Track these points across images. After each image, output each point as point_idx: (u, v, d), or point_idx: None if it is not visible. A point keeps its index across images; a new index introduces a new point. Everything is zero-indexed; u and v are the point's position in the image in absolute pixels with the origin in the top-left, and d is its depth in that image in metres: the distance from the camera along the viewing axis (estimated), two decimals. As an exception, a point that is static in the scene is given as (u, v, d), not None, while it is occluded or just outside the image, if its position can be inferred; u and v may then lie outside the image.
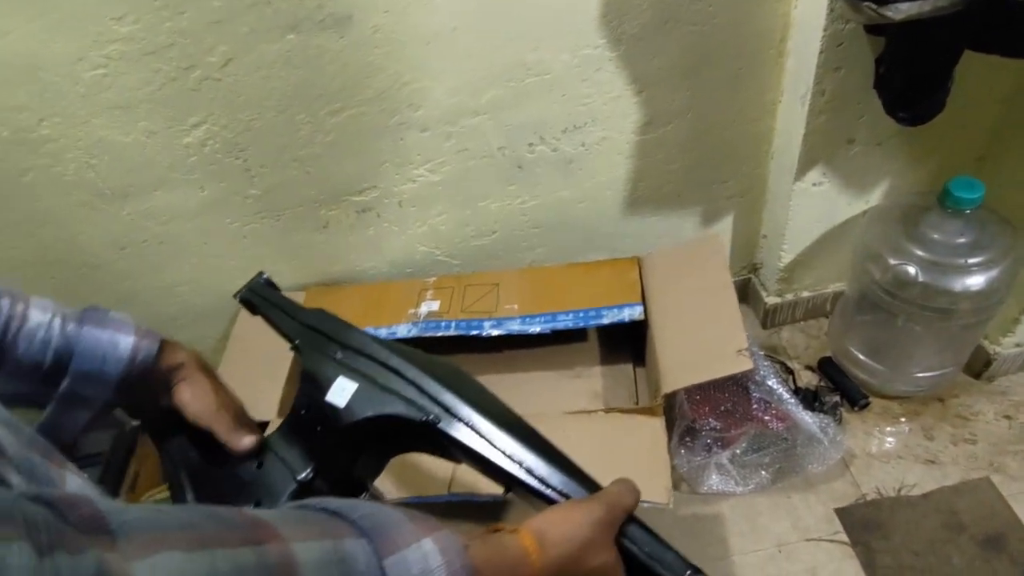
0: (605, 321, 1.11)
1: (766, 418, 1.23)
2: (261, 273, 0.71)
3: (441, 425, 0.53)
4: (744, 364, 0.96)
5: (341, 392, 0.55)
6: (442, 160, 1.12)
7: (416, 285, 1.23)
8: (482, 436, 0.52)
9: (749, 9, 1.01)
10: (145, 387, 0.55)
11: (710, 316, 1.06)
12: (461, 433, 0.52)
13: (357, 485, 0.59)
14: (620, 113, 1.11)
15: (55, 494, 0.27)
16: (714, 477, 1.24)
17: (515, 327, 1.12)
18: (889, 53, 0.91)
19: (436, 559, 0.35)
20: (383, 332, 1.14)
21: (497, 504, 1.12)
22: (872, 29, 0.91)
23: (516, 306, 1.16)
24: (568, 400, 1.16)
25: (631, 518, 0.48)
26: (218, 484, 0.58)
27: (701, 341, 1.03)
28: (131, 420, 0.55)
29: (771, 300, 1.41)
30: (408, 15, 0.93)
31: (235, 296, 0.70)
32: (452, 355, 1.20)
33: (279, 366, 1.15)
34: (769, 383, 1.24)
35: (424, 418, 0.53)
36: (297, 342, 0.61)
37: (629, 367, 1.23)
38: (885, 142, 1.11)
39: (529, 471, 0.51)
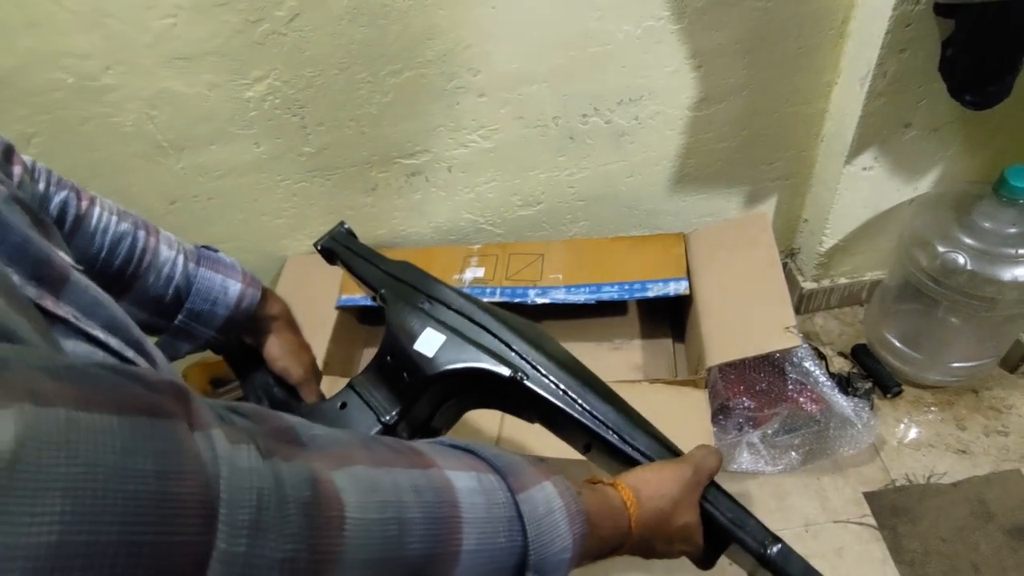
0: (651, 294, 1.12)
1: (801, 399, 1.24)
2: (342, 223, 0.72)
3: (527, 382, 0.54)
4: (792, 340, 0.97)
5: (428, 343, 0.56)
6: (496, 127, 1.12)
7: (461, 251, 1.24)
8: (567, 393, 0.53)
9: (813, -13, 1.00)
10: (242, 330, 0.58)
11: (756, 293, 1.06)
12: (547, 390, 0.53)
13: (432, 433, 0.60)
14: (676, 87, 1.10)
15: (245, 407, 0.28)
16: (745, 455, 1.25)
17: (560, 296, 1.13)
18: (958, 35, 0.91)
19: (557, 501, 0.36)
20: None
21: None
22: (943, 11, 0.90)
23: (560, 276, 1.17)
24: (608, 371, 1.16)
25: (713, 483, 0.50)
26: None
27: (747, 317, 1.04)
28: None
29: (807, 285, 1.41)
30: (476, -23, 0.93)
31: (315, 245, 0.71)
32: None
33: (323, 324, 1.17)
34: (806, 365, 1.24)
35: (510, 374, 0.54)
36: (383, 291, 0.62)
37: (668, 342, 1.24)
38: (942, 127, 1.11)
39: (614, 430, 0.52)
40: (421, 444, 0.35)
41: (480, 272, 1.20)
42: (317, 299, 1.22)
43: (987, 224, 1.06)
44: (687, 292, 1.10)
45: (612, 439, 0.52)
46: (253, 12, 0.93)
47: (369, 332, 1.32)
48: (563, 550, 0.35)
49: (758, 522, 0.49)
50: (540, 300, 1.14)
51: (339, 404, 0.58)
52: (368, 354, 1.29)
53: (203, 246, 0.58)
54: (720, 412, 1.26)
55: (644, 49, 1.04)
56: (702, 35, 1.04)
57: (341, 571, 0.24)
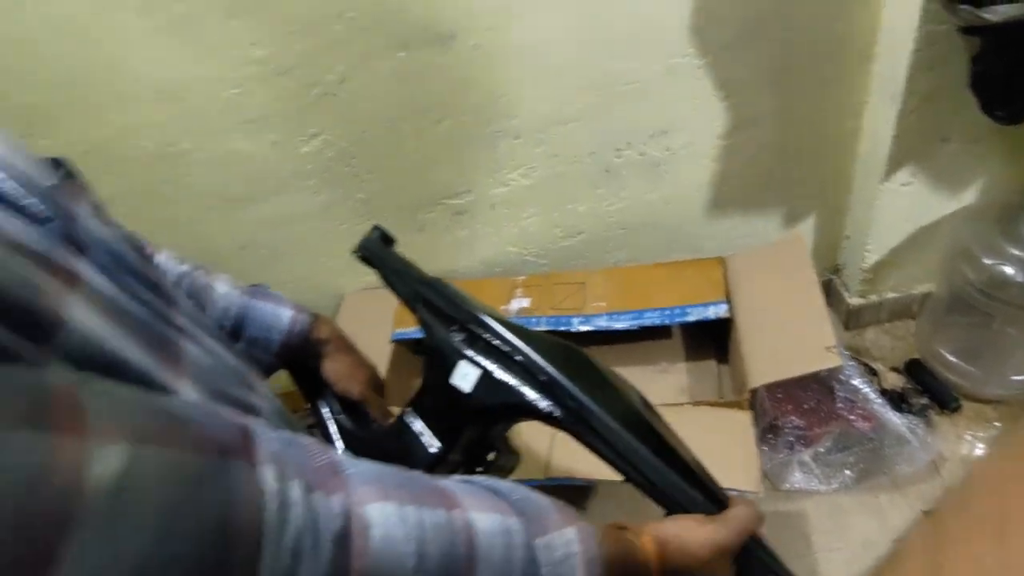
0: (691, 318, 1.15)
1: (851, 417, 1.23)
2: (375, 227, 0.69)
3: (560, 418, 0.52)
4: (833, 360, 0.98)
5: (464, 377, 0.55)
6: (533, 165, 1.19)
7: (507, 283, 1.30)
8: (600, 435, 0.51)
9: (835, 15, 1.03)
10: (299, 354, 0.64)
11: (796, 314, 1.08)
12: (580, 428, 0.52)
13: (486, 449, 0.61)
14: (706, 118, 1.14)
15: (304, 441, 0.33)
16: (797, 474, 1.25)
17: (603, 323, 1.18)
18: (985, 53, 0.92)
19: (575, 547, 0.38)
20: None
21: (590, 487, 1.17)
22: (968, 30, 0.91)
23: (603, 304, 1.21)
24: (654, 394, 1.18)
25: (755, 539, 0.48)
26: (362, 446, 0.64)
27: (787, 338, 1.06)
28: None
29: (854, 301, 1.40)
30: (507, 32, 1.00)
31: (353, 252, 0.70)
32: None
33: (380, 357, 1.25)
34: (854, 383, 1.24)
35: (548, 411, 0.52)
36: (418, 315, 0.62)
37: (713, 364, 1.26)
38: (983, 139, 1.10)
39: (647, 478, 0.50)
40: (454, 485, 0.37)
41: (526, 302, 1.25)
42: (374, 333, 1.30)
43: (1034, 235, 1.05)
44: (727, 315, 1.13)
45: (644, 485, 0.50)
46: (308, 78, 1.03)
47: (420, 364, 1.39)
48: None
49: None
50: (584, 328, 1.18)
51: (394, 433, 0.60)
52: (416, 387, 1.36)
53: (254, 284, 0.65)
54: (769, 431, 1.27)
55: (671, 84, 1.09)
56: (727, 68, 1.08)
57: None
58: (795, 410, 1.26)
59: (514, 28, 1.00)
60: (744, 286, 1.17)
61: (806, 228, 1.34)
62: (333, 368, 0.66)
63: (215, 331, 0.45)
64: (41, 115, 1.03)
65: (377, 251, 0.68)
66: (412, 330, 1.27)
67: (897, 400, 1.29)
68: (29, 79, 1.00)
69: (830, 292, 1.48)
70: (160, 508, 0.23)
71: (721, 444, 0.99)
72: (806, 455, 1.26)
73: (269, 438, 0.30)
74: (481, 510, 0.35)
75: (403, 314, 1.27)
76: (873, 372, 1.37)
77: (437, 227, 1.28)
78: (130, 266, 0.39)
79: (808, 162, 1.23)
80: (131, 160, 1.11)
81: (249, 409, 0.42)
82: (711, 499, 0.49)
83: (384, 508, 0.30)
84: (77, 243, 0.35)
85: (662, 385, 1.24)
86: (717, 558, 0.45)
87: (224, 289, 0.61)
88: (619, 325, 1.18)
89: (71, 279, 0.32)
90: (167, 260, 0.60)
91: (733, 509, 0.48)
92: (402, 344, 1.30)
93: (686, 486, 0.49)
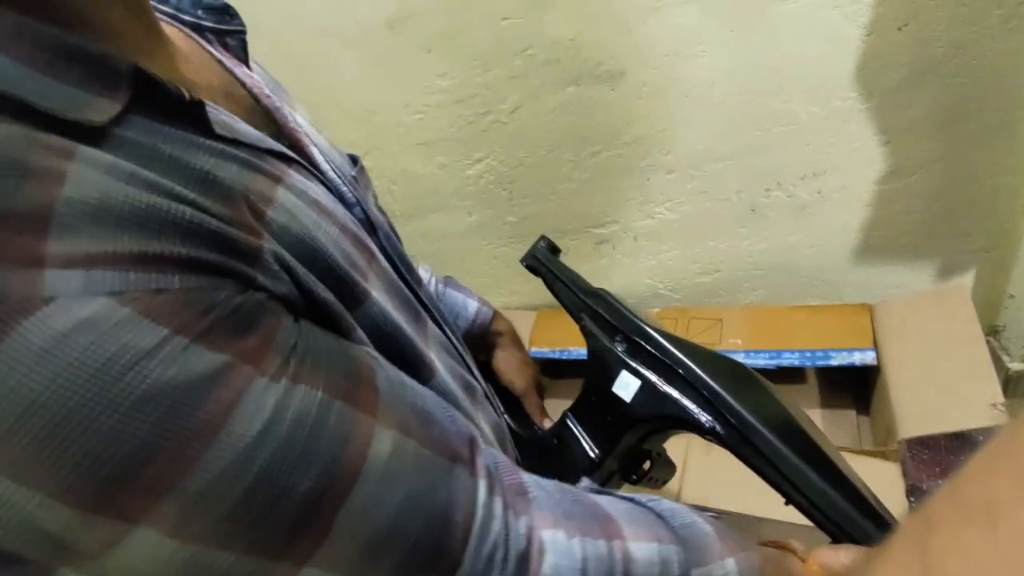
0: (834, 363, 1.12)
1: (1009, 489, 1.15)
2: (542, 237, 0.74)
3: (721, 434, 0.52)
4: (998, 418, 0.93)
5: (625, 387, 0.57)
6: (681, 200, 1.23)
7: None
8: (762, 454, 0.51)
9: (1015, 61, 1.01)
10: (476, 343, 0.70)
11: (955, 368, 1.03)
12: (740, 445, 0.52)
13: (643, 455, 0.63)
14: (862, 163, 1.14)
15: (500, 459, 0.37)
16: (942, 544, 1.17)
17: (739, 360, 1.17)
18: None
19: None
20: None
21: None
22: None
23: (740, 341, 1.21)
24: (788, 437, 1.18)
25: None
26: (524, 444, 0.66)
27: (945, 392, 1.01)
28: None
29: (1015, 367, 1.31)
30: (674, 71, 1.06)
31: (521, 261, 0.75)
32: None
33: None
34: (1014, 452, 1.15)
35: (709, 425, 0.53)
36: (582, 323, 0.65)
37: (852, 413, 1.22)
38: None
39: (812, 501, 0.48)
40: (619, 508, 0.39)
41: (659, 333, 1.28)
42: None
43: None
44: (874, 363, 1.10)
45: (804, 506, 0.48)
46: (483, 107, 1.14)
47: (551, 384, 1.44)
48: None
49: None
50: (719, 362, 1.18)
51: (554, 438, 0.63)
52: (550, 405, 1.40)
53: (447, 276, 0.73)
54: (911, 493, 1.19)
55: (829, 127, 1.10)
56: (892, 112, 1.08)
57: None
58: (942, 474, 1.18)
59: (680, 67, 1.06)
60: (895, 334, 1.14)
61: (963, 282, 1.28)
62: (504, 359, 0.71)
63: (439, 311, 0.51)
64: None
65: (544, 260, 0.72)
66: (548, 350, 1.32)
67: (1063, 477, 1.19)
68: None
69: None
70: (408, 489, 0.29)
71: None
72: (953, 524, 1.17)
73: (487, 452, 0.35)
74: (640, 539, 0.37)
75: (539, 333, 1.32)
76: (1033, 445, 1.27)
77: (579, 253, 1.34)
78: (396, 247, 0.46)
79: (970, 214, 1.19)
80: (319, 172, 1.26)
81: (468, 386, 0.47)
82: (878, 525, 0.46)
83: (556, 536, 0.34)
84: (371, 225, 0.43)
85: (798, 429, 1.21)
86: None
87: (425, 276, 0.69)
88: (756, 363, 1.17)
89: (371, 257, 0.39)
90: None
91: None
92: (536, 363, 1.35)
93: (856, 514, 0.47)
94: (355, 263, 0.35)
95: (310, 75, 1.12)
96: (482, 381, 0.53)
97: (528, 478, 0.37)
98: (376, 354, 0.33)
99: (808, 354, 1.15)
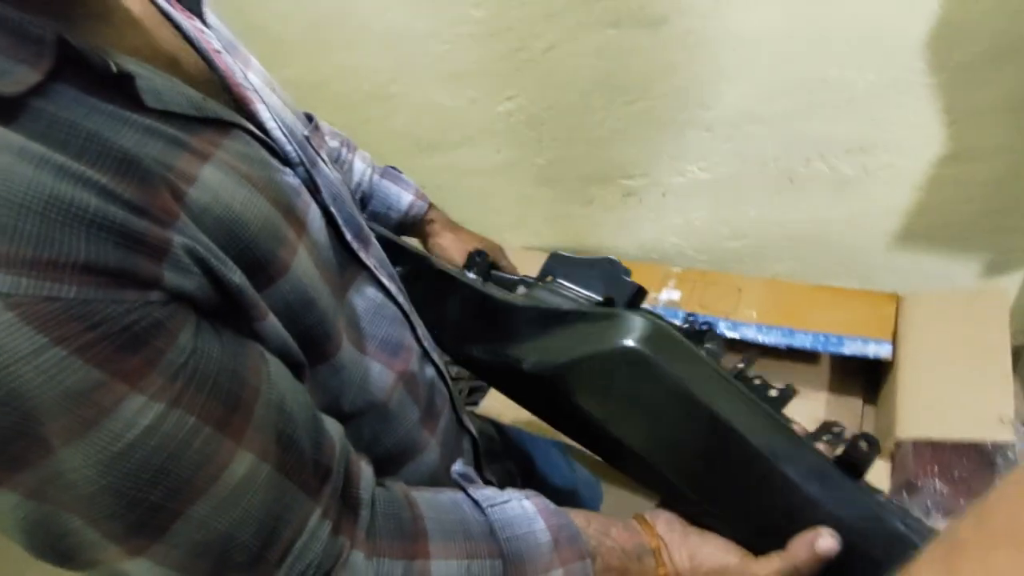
0: (846, 351, 1.08)
1: (1010, 499, 1.11)
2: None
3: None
4: (1004, 434, 0.90)
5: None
6: (716, 160, 1.17)
7: (660, 271, 1.30)
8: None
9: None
10: (410, 233, 0.73)
11: (973, 375, 0.98)
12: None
13: None
14: (919, 142, 1.05)
15: (353, 469, 0.37)
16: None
17: (750, 334, 1.15)
18: None
19: None
20: (622, 308, 1.23)
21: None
22: None
23: (755, 313, 1.18)
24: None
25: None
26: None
27: (956, 397, 0.97)
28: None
29: (1049, 377, 1.24)
30: (722, 21, 0.98)
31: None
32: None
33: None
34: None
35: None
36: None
37: (859, 403, 1.19)
38: None
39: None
40: (441, 521, 0.39)
41: (676, 295, 1.25)
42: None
43: None
44: (889, 357, 1.05)
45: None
46: (516, 41, 1.09)
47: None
48: None
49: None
50: (730, 334, 1.16)
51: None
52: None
53: (390, 166, 0.73)
54: (905, 488, 1.18)
55: (885, 99, 1.01)
56: (962, 90, 0.98)
57: None
58: (942, 474, 1.16)
59: (730, 17, 0.98)
60: (917, 330, 1.08)
61: (1010, 283, 1.20)
62: (438, 244, 0.73)
63: (390, 269, 0.50)
64: (286, 48, 1.19)
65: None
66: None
67: (1073, 495, 1.14)
68: (280, 14, 1.15)
69: (1019, 361, 1.31)
70: (248, 506, 0.30)
71: (850, 485, 0.95)
72: (941, 524, 1.15)
73: (334, 489, 0.35)
74: (450, 556, 0.38)
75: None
76: (1051, 457, 1.22)
77: (605, 203, 1.31)
78: (344, 209, 0.45)
79: (1031, 211, 1.09)
80: (347, 97, 1.25)
81: (398, 348, 0.46)
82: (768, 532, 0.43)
83: (356, 558, 0.35)
84: (313, 185, 0.42)
85: (797, 411, 1.18)
86: None
87: (361, 166, 0.69)
88: (766, 340, 1.14)
89: (302, 229, 0.38)
90: (327, 131, 0.68)
91: (793, 547, 0.42)
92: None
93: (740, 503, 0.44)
94: (281, 236, 0.35)
95: (342, -5, 1.09)
96: (429, 340, 0.52)
97: (366, 494, 0.37)
98: (270, 367, 0.33)
99: (822, 338, 1.12)
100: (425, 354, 0.50)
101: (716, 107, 1.09)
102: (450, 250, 0.72)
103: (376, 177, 0.71)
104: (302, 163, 0.41)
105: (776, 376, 1.33)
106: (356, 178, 0.69)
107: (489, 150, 1.27)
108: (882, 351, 1.06)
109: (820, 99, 1.04)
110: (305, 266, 0.37)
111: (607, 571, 0.42)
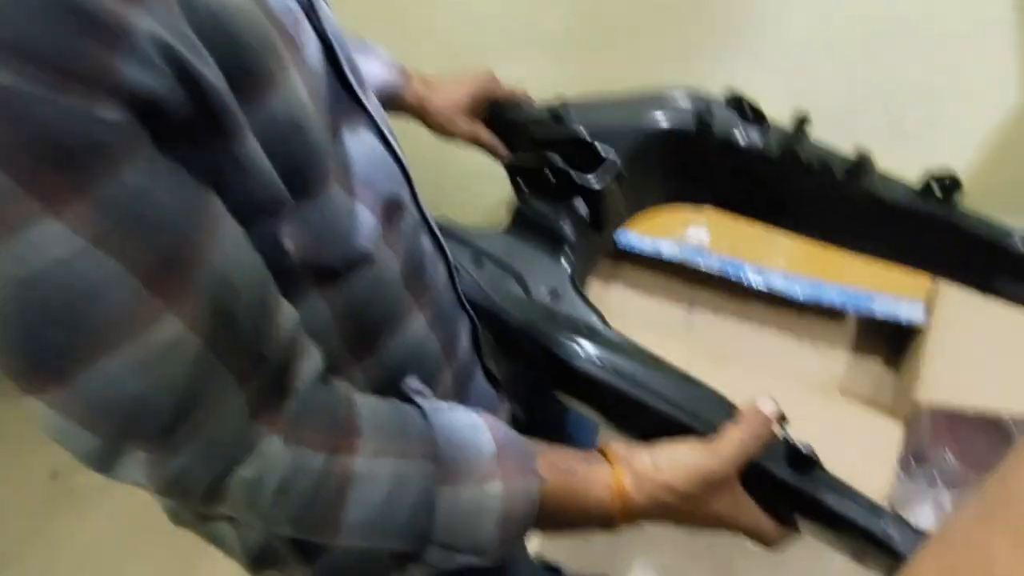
0: (876, 310, 1.04)
1: (1022, 480, 1.08)
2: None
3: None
4: (1028, 410, 0.85)
5: None
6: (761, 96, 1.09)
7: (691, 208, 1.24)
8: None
9: None
10: (391, 105, 0.62)
11: (1009, 346, 0.93)
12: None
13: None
14: (991, 93, 0.96)
15: (303, 357, 0.35)
16: (926, 511, 1.14)
17: (777, 283, 1.10)
18: None
19: (493, 503, 0.36)
20: (647, 241, 1.19)
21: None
22: None
23: (783, 260, 1.13)
24: (803, 373, 1.13)
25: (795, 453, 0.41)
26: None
27: (985, 368, 0.93)
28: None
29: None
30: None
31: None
32: (708, 286, 1.22)
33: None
34: (1045, 445, 1.07)
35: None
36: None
37: (879, 364, 1.15)
38: None
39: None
40: (379, 418, 0.37)
41: (704, 235, 1.20)
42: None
43: None
44: (920, 321, 1.00)
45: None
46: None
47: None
48: (482, 544, 0.37)
49: (853, 496, 0.39)
50: (756, 280, 1.11)
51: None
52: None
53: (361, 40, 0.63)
54: (915, 457, 1.15)
55: (964, 42, 0.92)
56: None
57: None
58: (955, 447, 1.12)
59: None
60: (955, 296, 1.03)
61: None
62: (431, 107, 0.63)
63: (391, 127, 0.46)
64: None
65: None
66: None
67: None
68: None
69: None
70: (165, 378, 0.28)
71: (855, 448, 0.92)
72: (946, 497, 1.13)
73: (266, 377, 0.33)
74: (378, 454, 0.35)
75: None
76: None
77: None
78: (345, 47, 0.40)
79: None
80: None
81: (394, 205, 0.42)
82: (704, 415, 0.42)
83: (271, 444, 0.33)
84: (314, 12, 0.37)
85: (814, 366, 1.15)
86: (705, 493, 0.39)
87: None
88: (794, 292, 1.09)
89: (295, 52, 0.33)
90: None
91: (731, 428, 0.40)
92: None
93: (681, 397, 0.43)
94: (272, 47, 0.31)
95: None
96: (430, 212, 0.48)
97: (302, 385, 0.34)
98: (225, 230, 0.30)
99: (852, 294, 1.07)
100: (424, 224, 0.46)
101: (766, 34, 1.00)
102: (447, 110, 0.63)
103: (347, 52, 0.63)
104: None
105: (798, 329, 1.27)
106: None
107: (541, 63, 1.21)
108: (914, 313, 1.01)
109: (892, 34, 0.94)
110: (298, 90, 0.32)
111: (557, 493, 0.39)
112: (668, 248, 1.17)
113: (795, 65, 1.03)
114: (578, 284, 0.53)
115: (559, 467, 0.40)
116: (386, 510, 0.35)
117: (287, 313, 0.34)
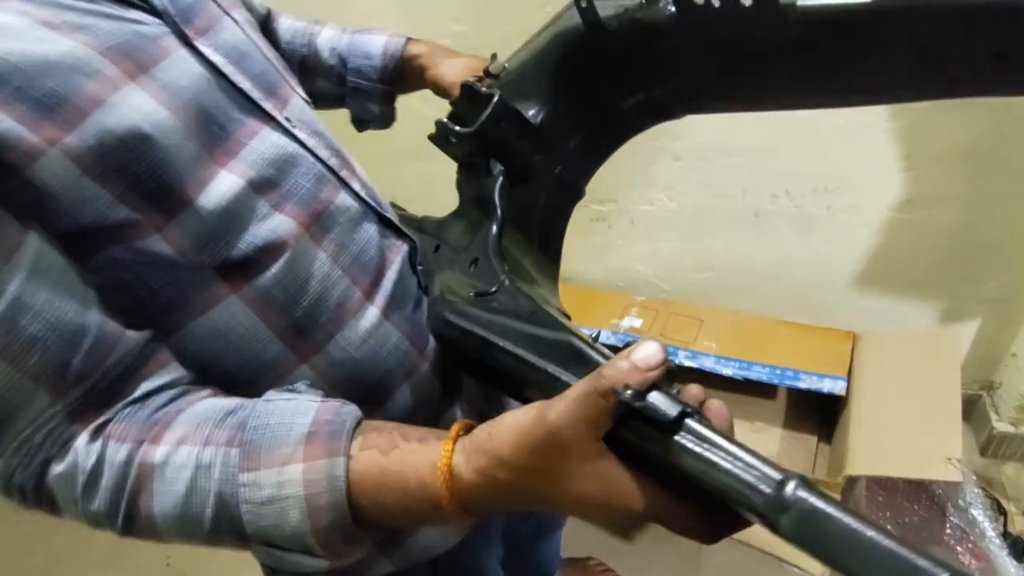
0: (802, 385, 1.09)
1: (958, 549, 1.11)
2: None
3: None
4: (952, 474, 0.89)
5: None
6: (684, 191, 1.18)
7: (624, 299, 1.30)
8: None
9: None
10: (402, 75, 0.66)
11: (924, 415, 0.99)
12: None
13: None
14: (880, 186, 1.08)
15: (126, 363, 0.37)
16: (876, 587, 1.14)
17: (709, 364, 1.15)
18: None
19: (293, 488, 0.33)
20: (585, 331, 1.22)
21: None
22: None
23: (714, 345, 1.18)
24: (740, 450, 1.15)
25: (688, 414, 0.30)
26: None
27: (906, 437, 0.97)
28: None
29: (1000, 427, 1.25)
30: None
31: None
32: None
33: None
34: (974, 513, 1.11)
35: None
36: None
37: (813, 440, 1.19)
38: None
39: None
40: (195, 411, 0.37)
41: (638, 323, 1.25)
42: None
43: None
44: (843, 393, 1.06)
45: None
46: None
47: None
48: (299, 537, 0.34)
49: (746, 455, 0.29)
50: (688, 363, 1.16)
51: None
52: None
53: (363, 28, 0.69)
54: (858, 532, 1.17)
55: (852, 141, 1.04)
56: (921, 136, 1.01)
57: None
58: (893, 518, 1.15)
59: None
60: (872, 368, 1.09)
61: (965, 331, 1.21)
62: (432, 77, 0.64)
63: (316, 127, 0.48)
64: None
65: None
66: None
67: (1019, 548, 1.14)
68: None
69: (974, 410, 1.33)
70: None
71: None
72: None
73: (90, 390, 0.35)
74: (183, 443, 0.35)
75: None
76: (1002, 511, 1.22)
77: (573, 227, 1.30)
78: (254, 63, 0.44)
79: (989, 261, 1.12)
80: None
81: (309, 199, 0.43)
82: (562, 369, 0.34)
83: (79, 442, 0.35)
84: (182, 36, 0.40)
85: (752, 444, 1.18)
86: (548, 464, 0.30)
87: (330, 33, 0.67)
88: (725, 371, 1.14)
89: (139, 72, 0.37)
90: (289, 20, 0.67)
91: (569, 391, 0.30)
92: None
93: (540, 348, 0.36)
94: (92, 72, 0.35)
95: (343, 7, 1.10)
96: (377, 201, 0.49)
97: (138, 393, 0.37)
98: (28, 253, 0.33)
99: (779, 372, 1.12)
100: (372, 213, 0.47)
101: (685, 138, 1.11)
102: (450, 76, 0.64)
103: (348, 36, 0.68)
104: (167, 13, 0.40)
105: (733, 409, 1.31)
106: (327, 45, 0.67)
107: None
108: (837, 387, 1.06)
109: (789, 137, 1.06)
110: (143, 104, 0.36)
111: (372, 472, 0.34)
112: (604, 337, 1.22)
113: (710, 165, 1.13)
114: (500, 248, 0.47)
115: (381, 446, 0.35)
116: (191, 498, 0.35)
117: (113, 332, 0.36)
